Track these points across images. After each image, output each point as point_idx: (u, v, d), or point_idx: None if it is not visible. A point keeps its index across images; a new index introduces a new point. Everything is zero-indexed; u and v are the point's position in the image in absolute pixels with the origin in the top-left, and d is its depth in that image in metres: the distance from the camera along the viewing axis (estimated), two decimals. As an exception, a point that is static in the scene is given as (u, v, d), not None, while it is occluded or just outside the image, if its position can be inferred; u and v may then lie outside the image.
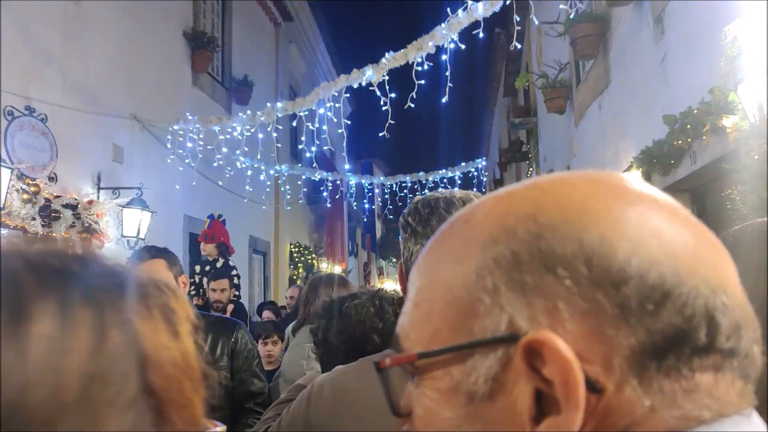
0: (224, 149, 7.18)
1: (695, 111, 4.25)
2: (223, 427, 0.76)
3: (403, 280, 1.39)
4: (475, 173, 12.63)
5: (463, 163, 12.30)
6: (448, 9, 4.80)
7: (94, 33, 6.93)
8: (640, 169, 5.48)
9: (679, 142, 4.59)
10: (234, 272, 6.15)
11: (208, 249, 6.64)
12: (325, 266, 18.15)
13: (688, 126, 4.39)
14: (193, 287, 6.25)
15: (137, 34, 7.77)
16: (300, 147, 6.48)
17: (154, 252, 2.85)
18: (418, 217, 1.38)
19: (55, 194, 5.99)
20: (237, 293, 6.03)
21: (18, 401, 0.44)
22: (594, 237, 0.45)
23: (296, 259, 14.46)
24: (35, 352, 0.46)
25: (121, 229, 6.78)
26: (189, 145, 7.19)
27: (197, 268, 6.68)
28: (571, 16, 6.28)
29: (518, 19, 4.62)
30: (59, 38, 6.40)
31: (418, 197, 1.44)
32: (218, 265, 6.45)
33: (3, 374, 0.44)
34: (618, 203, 0.48)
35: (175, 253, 3.07)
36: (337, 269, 19.53)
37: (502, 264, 0.46)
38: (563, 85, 8.53)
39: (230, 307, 5.61)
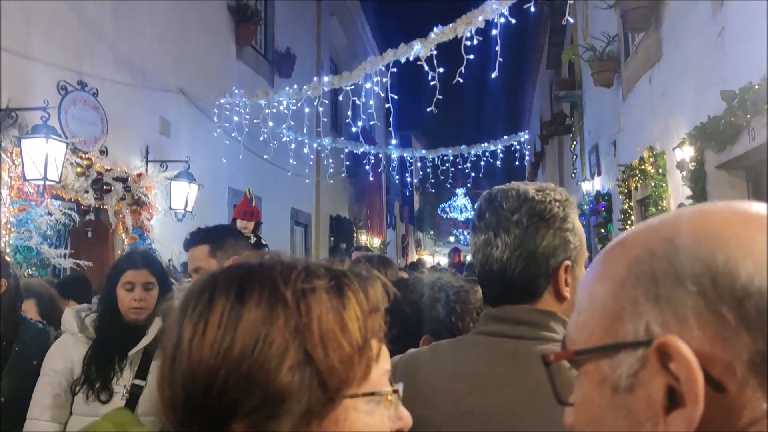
0: (270, 123, 7.21)
1: (756, 86, 4.13)
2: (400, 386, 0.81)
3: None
4: (518, 146, 12.48)
5: (505, 137, 12.16)
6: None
7: (143, 9, 6.99)
8: (694, 145, 5.36)
9: (737, 118, 4.47)
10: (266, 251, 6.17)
11: (249, 225, 6.64)
12: (365, 238, 18.26)
13: (748, 102, 4.27)
14: None
15: (183, 10, 7.82)
16: (347, 121, 6.43)
17: (198, 237, 2.72)
18: (478, 211, 1.40)
19: (106, 167, 6.12)
20: None
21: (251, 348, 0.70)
22: (721, 258, 0.52)
23: (336, 232, 14.57)
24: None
25: (170, 201, 6.90)
26: (235, 119, 7.25)
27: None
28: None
29: (570, -6, 4.52)
30: (109, 15, 6.48)
31: (496, 188, 1.44)
32: (252, 242, 6.46)
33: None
34: (747, 229, 0.54)
35: (228, 231, 3.03)
36: (376, 241, 19.64)
37: (642, 279, 0.55)
38: (611, 58, 8.35)
39: None
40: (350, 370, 0.73)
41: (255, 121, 7.33)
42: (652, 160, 6.60)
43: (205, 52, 8.44)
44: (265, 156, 8.42)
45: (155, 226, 6.70)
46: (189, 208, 7.03)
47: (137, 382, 2.62)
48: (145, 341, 2.67)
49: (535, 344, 1.30)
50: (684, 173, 5.63)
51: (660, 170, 6.46)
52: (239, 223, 6.30)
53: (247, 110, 7.16)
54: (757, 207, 0.57)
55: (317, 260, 0.82)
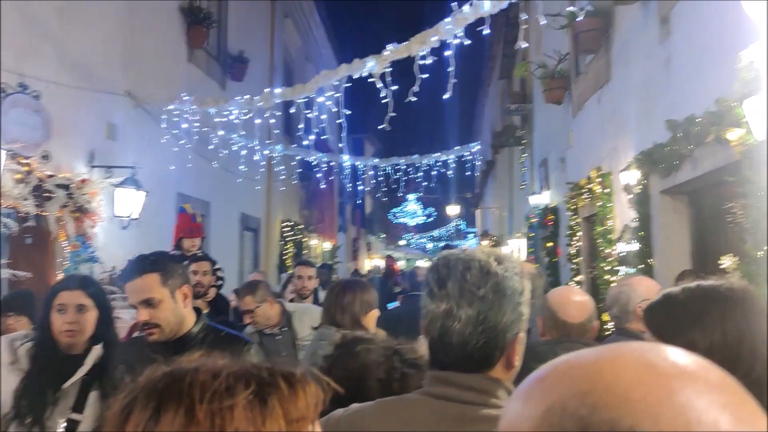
0: (220, 132, 7.09)
1: (699, 119, 4.24)
2: None
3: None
4: (470, 157, 12.59)
5: (457, 147, 12.26)
6: (454, 3, 4.72)
7: (90, 9, 6.79)
8: (640, 169, 5.49)
9: (681, 147, 4.59)
10: (217, 266, 5.76)
11: (196, 242, 6.30)
12: (315, 242, 18.17)
13: (691, 133, 4.38)
14: None
15: (133, 10, 7.63)
16: (298, 134, 6.36)
17: (147, 266, 2.44)
18: (437, 277, 1.38)
19: (48, 173, 5.91)
20: (220, 282, 5.76)
21: None
22: (625, 424, 0.52)
23: (287, 236, 14.45)
24: None
25: (114, 208, 6.72)
26: (184, 125, 7.10)
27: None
28: (579, 18, 6.22)
29: (525, 16, 4.56)
30: (54, 13, 6.26)
31: (445, 253, 1.44)
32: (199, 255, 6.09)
33: None
34: (656, 393, 0.53)
35: (173, 257, 2.86)
36: (327, 245, 19.57)
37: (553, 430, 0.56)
38: (562, 76, 8.49)
39: (212, 291, 5.43)
40: None
41: (204, 129, 7.19)
42: (599, 180, 6.73)
43: (155, 54, 8.25)
44: (214, 163, 8.29)
45: (99, 233, 6.51)
46: (135, 216, 6.86)
47: (74, 416, 2.51)
48: (82, 372, 2.56)
49: (480, 409, 1.32)
50: (630, 196, 5.76)
51: (607, 190, 6.59)
52: (186, 242, 6.10)
53: (196, 117, 7.02)
54: (672, 359, 0.57)
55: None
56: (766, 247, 3.39)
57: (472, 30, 4.99)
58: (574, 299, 2.69)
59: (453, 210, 31.02)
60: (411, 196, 33.51)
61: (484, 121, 24.76)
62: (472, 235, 33.49)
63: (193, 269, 5.20)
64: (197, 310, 2.59)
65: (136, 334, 3.15)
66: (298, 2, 15.72)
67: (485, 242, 20.83)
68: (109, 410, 0.77)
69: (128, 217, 6.80)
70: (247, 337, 3.01)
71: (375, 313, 3.14)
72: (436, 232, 34.28)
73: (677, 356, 0.57)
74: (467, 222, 36.23)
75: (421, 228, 33.90)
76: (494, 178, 21.72)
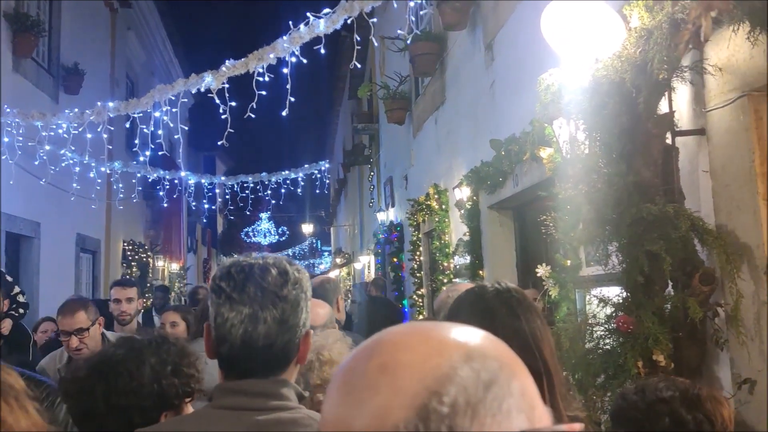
0: (47, 147, 6.66)
1: (519, 138, 4.57)
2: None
3: (210, 340, 1.40)
4: (319, 174, 12.69)
5: (306, 165, 12.31)
6: (291, 22, 4.78)
7: None
8: (470, 186, 5.81)
9: (504, 165, 4.92)
10: (17, 289, 5.05)
11: None
12: (162, 264, 17.44)
13: (512, 151, 4.71)
14: None
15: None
16: (134, 149, 6.12)
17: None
18: (233, 283, 1.38)
19: None
20: (21, 311, 4.88)
21: None
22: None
23: (130, 258, 13.77)
24: None
25: None
26: (6, 139, 6.60)
27: None
28: (408, 41, 6.50)
29: (359, 39, 4.70)
30: None
31: (230, 260, 1.45)
32: None
33: None
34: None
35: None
36: (174, 267, 18.84)
37: None
38: (403, 97, 8.81)
39: (6, 322, 4.51)
40: None
41: (30, 143, 6.73)
42: (436, 196, 7.04)
43: (-25, 62, 7.63)
44: (43, 180, 7.76)
45: None
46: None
47: None
48: None
49: (273, 414, 1.33)
50: (462, 211, 6.08)
51: (443, 206, 6.91)
52: None
53: (21, 130, 6.56)
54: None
55: None
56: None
57: (315, 51, 5.07)
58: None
59: (308, 228, 31.00)
60: (263, 215, 33.12)
61: (336, 140, 25.07)
62: (327, 252, 33.62)
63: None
64: None
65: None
66: (142, 15, 15.14)
67: (339, 259, 21.01)
68: None
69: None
70: (50, 381, 2.60)
71: None
72: (290, 251, 34.08)
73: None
74: (322, 240, 36.36)
75: (275, 247, 33.54)
76: (346, 196, 22.01)
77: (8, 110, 6.39)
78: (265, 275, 1.37)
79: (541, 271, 4.17)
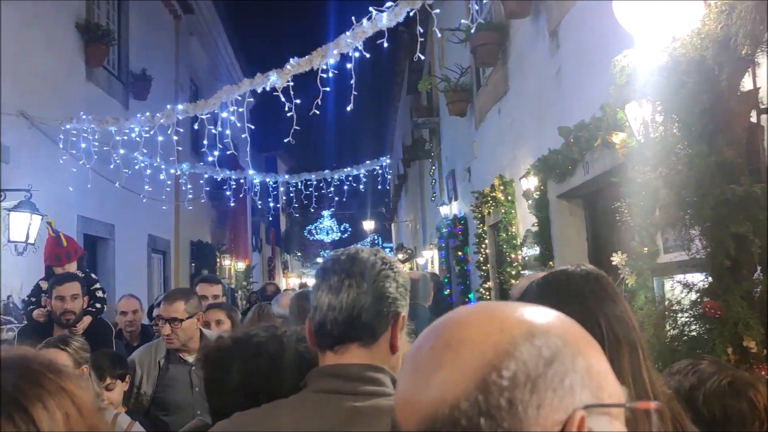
0: (122, 150, 6.89)
1: (588, 124, 4.47)
2: None
3: (310, 333, 1.44)
4: (380, 170, 12.73)
5: (367, 161, 12.37)
6: (353, 17, 4.81)
7: (-24, 25, 6.49)
8: (537, 176, 5.72)
9: (573, 152, 4.82)
10: (97, 285, 5.14)
11: (70, 267, 5.47)
12: (228, 263, 17.83)
13: (582, 138, 4.61)
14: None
15: (24, 26, 7.33)
16: (202, 150, 6.27)
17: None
18: (330, 262, 1.49)
19: (-67, 199, 5.59)
20: (98, 306, 4.92)
21: None
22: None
23: (198, 257, 14.14)
24: None
25: (8, 233, 6.41)
26: (83, 145, 6.86)
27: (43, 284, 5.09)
28: (472, 30, 6.44)
29: (421, 30, 4.69)
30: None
31: (330, 254, 1.53)
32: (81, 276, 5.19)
33: None
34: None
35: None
36: (241, 266, 19.24)
37: None
38: (464, 89, 8.74)
39: (86, 319, 4.56)
40: None
41: (105, 147, 6.97)
42: (502, 187, 6.96)
43: (51, 72, 7.94)
44: (117, 183, 8.04)
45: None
46: (31, 240, 6.56)
47: None
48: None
49: (370, 400, 1.34)
50: (529, 201, 5.99)
51: (509, 197, 6.82)
52: (63, 270, 5.33)
53: (96, 136, 6.80)
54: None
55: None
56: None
57: (377, 46, 5.10)
58: None
59: (369, 225, 31.16)
60: (326, 213, 33.45)
61: (396, 136, 25.10)
62: (389, 249, 33.72)
63: (57, 294, 4.33)
64: None
65: None
66: (204, 21, 15.50)
67: (400, 255, 21.04)
68: None
69: (24, 242, 6.50)
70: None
71: None
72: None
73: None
74: (383, 236, 36.47)
75: (337, 244, 33.85)
76: (406, 191, 22.01)
77: (84, 117, 6.63)
78: (357, 253, 1.48)
79: (617, 259, 4.08)
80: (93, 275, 5.35)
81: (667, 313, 2.77)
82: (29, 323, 4.82)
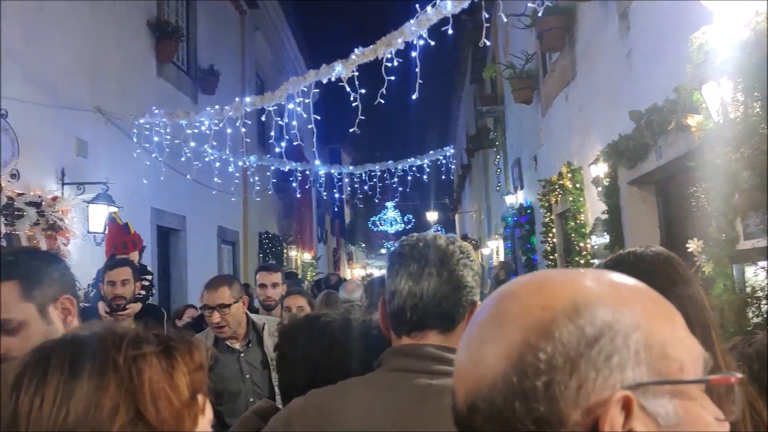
0: (192, 143, 7.07)
1: (661, 107, 4.32)
2: None
3: (384, 313, 1.44)
4: (444, 161, 12.67)
5: (431, 152, 12.33)
6: (417, 5, 4.78)
7: (54, 24, 6.75)
8: (607, 162, 5.57)
9: (645, 137, 4.67)
10: (147, 276, 5.15)
11: (134, 256, 5.69)
12: (294, 253, 18.12)
13: (654, 122, 4.46)
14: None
15: (99, 25, 7.60)
16: (270, 141, 6.37)
17: None
18: (406, 246, 1.48)
19: (17, 192, 5.86)
20: (143, 293, 4.82)
21: None
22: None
23: (266, 248, 14.41)
24: None
25: (87, 225, 6.67)
26: (155, 139, 7.08)
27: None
28: (539, 14, 6.31)
29: (487, 16, 4.63)
30: (18, 30, 6.23)
31: (404, 239, 1.52)
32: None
33: None
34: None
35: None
36: (307, 256, 19.52)
37: None
38: (530, 76, 8.59)
39: (136, 306, 4.46)
40: (180, 423, 0.82)
41: (176, 141, 7.17)
42: (570, 175, 6.81)
43: (124, 69, 8.22)
44: (188, 176, 8.26)
45: (72, 251, 6.44)
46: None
47: None
48: None
49: (440, 378, 1.33)
50: (599, 188, 5.84)
51: (578, 185, 6.67)
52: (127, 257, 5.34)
53: (168, 130, 7.00)
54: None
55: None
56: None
57: (440, 34, 5.07)
58: None
59: (432, 216, 31.10)
60: (389, 204, 33.56)
61: (460, 126, 24.92)
62: (453, 240, 33.50)
63: (109, 279, 4.32)
64: None
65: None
66: (269, 15, 15.74)
67: (465, 246, 20.86)
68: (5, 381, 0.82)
69: (102, 233, 6.75)
70: None
71: None
72: (416, 239, 34.35)
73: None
74: (446, 227, 36.33)
75: (401, 235, 33.87)
76: (470, 181, 21.85)
77: (156, 111, 6.83)
78: (435, 240, 1.48)
79: (693, 246, 3.93)
80: (148, 267, 5.42)
81: (749, 300, 2.66)
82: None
